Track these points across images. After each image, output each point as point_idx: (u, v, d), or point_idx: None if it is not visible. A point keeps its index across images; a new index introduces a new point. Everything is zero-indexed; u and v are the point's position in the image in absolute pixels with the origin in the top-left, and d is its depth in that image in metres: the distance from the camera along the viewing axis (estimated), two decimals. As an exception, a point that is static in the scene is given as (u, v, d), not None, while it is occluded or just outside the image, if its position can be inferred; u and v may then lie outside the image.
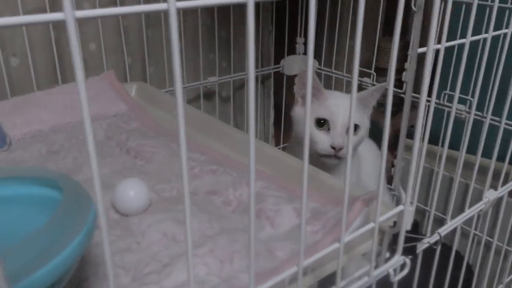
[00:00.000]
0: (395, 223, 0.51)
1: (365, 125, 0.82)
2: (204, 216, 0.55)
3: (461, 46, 0.57)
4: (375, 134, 1.27)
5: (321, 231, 0.52)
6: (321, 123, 0.79)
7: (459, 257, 0.80)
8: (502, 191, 0.68)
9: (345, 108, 0.78)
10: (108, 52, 0.98)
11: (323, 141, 0.78)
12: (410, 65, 0.43)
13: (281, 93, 1.30)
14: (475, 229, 1.00)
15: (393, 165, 1.18)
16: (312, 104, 0.81)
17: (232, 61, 1.17)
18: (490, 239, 0.97)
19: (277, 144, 1.39)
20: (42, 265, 0.30)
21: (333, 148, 0.77)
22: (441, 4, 0.39)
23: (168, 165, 0.67)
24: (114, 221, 0.55)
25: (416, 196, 0.47)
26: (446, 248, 0.81)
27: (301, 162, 0.68)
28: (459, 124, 1.00)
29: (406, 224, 0.46)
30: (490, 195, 0.64)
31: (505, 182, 0.71)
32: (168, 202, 0.59)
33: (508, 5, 0.83)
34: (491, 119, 0.92)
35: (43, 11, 0.87)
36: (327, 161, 0.79)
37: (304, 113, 0.81)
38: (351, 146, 0.38)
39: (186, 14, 1.10)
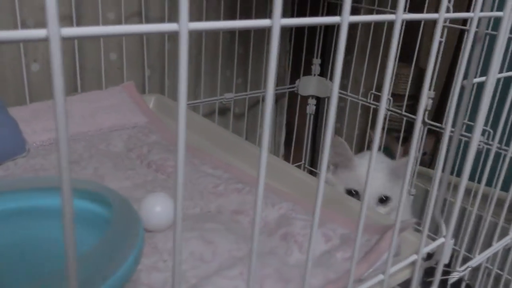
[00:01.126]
0: (429, 255, 0.50)
1: (397, 194, 0.80)
2: (232, 237, 0.53)
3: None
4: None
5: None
6: (352, 193, 0.79)
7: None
8: (529, 226, 0.67)
9: (375, 180, 0.78)
10: (128, 63, 0.98)
11: None
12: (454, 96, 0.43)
13: (294, 113, 1.30)
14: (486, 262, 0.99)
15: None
16: (342, 174, 0.81)
17: (249, 78, 1.17)
18: (501, 272, 0.95)
19: (287, 163, 1.38)
20: None
21: None
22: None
23: (190, 181, 0.65)
24: (139, 237, 0.54)
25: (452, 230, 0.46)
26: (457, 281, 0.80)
27: (329, 188, 0.67)
28: (476, 155, 0.99)
29: (445, 258, 0.45)
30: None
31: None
32: (192, 219, 0.57)
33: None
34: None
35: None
36: None
37: (335, 181, 0.81)
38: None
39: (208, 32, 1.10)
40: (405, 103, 1.13)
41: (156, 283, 0.46)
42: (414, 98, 1.39)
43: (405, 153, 1.32)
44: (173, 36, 1.04)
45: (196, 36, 1.08)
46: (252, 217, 0.59)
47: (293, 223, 0.57)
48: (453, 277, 0.52)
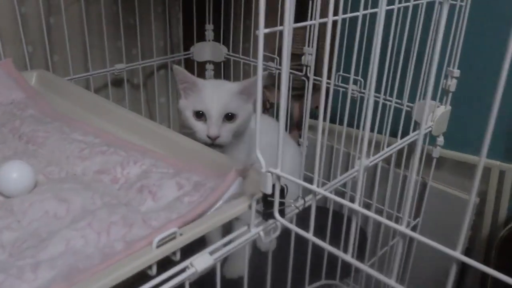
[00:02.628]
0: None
1: (245, 112, 0.86)
2: (88, 193, 0.57)
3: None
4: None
5: (198, 201, 0.56)
6: (199, 114, 0.84)
7: (339, 216, 0.88)
8: (374, 160, 0.76)
9: (219, 99, 0.83)
10: (6, 39, 0.97)
11: (201, 131, 0.83)
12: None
13: (193, 79, 1.34)
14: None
15: (298, 144, 1.25)
16: (190, 97, 0.86)
17: (139, 47, 1.18)
18: (370, 201, 1.05)
19: (192, 129, 1.42)
20: None
21: (209, 137, 0.82)
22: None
23: (59, 148, 0.68)
24: (-3, 203, 0.56)
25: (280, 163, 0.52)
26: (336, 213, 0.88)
27: (191, 141, 0.71)
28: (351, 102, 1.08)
29: (265, 188, 0.51)
30: (364, 163, 0.71)
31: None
32: (54, 182, 0.60)
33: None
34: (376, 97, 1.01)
35: None
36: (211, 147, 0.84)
37: (186, 106, 0.86)
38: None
39: (89, 1, 1.10)
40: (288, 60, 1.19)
41: (6, 241, 0.50)
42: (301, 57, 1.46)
43: (300, 108, 1.40)
44: (55, 9, 1.04)
45: (79, 7, 1.08)
46: (114, 175, 0.63)
47: (150, 176, 0.61)
48: (293, 208, 0.59)
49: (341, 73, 1.08)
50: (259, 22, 0.47)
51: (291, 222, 0.56)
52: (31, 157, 0.67)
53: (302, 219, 0.60)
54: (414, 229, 1.05)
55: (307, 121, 1.07)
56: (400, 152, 0.92)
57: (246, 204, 0.55)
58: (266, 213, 0.56)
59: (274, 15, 1.17)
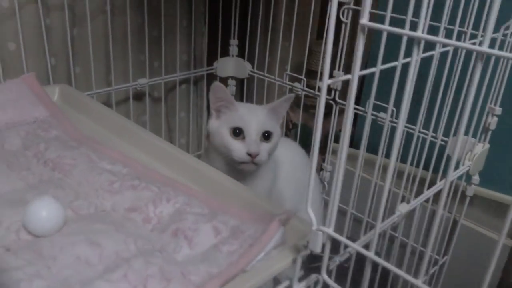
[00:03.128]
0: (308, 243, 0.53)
1: (277, 132, 0.86)
2: (121, 237, 0.54)
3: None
4: (305, 136, 1.30)
5: (238, 251, 0.53)
6: (236, 132, 0.82)
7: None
8: (414, 204, 0.72)
9: (257, 117, 0.83)
10: (29, 52, 0.93)
11: (239, 149, 0.81)
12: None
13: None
14: (392, 230, 1.05)
15: (321, 169, 1.22)
16: (225, 116, 0.84)
17: (163, 62, 1.15)
18: (406, 240, 1.02)
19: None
20: None
21: (249, 155, 0.80)
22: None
23: (87, 179, 0.65)
24: (26, 243, 0.53)
25: (334, 220, 0.48)
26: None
27: (224, 176, 0.68)
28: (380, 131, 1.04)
29: (314, 247, 0.48)
30: (402, 208, 0.68)
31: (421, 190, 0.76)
32: (85, 220, 0.57)
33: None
34: (407, 127, 0.98)
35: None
36: (245, 167, 0.82)
37: (220, 125, 0.83)
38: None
39: (115, 13, 1.07)
40: (317, 81, 1.15)
41: (37, 292, 0.46)
42: (332, 76, 1.43)
43: (323, 130, 1.37)
44: (79, 20, 1.01)
45: (103, 19, 1.05)
46: (146, 214, 0.59)
47: (186, 218, 0.58)
48: (334, 262, 0.55)
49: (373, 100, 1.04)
50: (324, 72, 0.43)
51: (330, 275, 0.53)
52: (58, 187, 0.63)
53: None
54: (441, 267, 1.02)
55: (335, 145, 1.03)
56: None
57: (290, 259, 0.52)
58: (311, 268, 0.52)
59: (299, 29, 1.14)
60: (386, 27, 0.42)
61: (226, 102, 0.83)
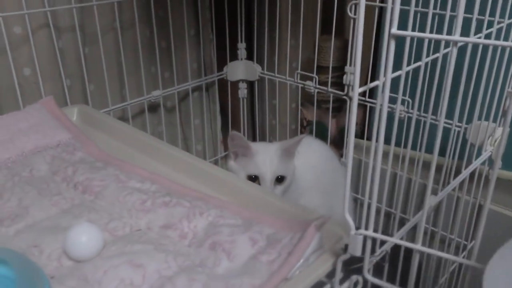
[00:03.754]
0: (347, 246, 0.53)
1: (290, 172, 0.91)
2: (161, 256, 0.54)
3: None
4: (320, 133, 1.31)
5: (277, 260, 0.53)
6: (252, 178, 0.88)
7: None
8: (442, 194, 0.73)
9: (271, 163, 0.88)
10: (45, 75, 0.95)
11: None
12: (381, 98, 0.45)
13: (227, 99, 1.31)
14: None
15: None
16: (242, 160, 0.90)
17: (175, 72, 1.15)
18: (434, 229, 1.02)
19: (226, 149, 1.40)
20: None
21: None
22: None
23: (118, 199, 0.66)
24: (69, 270, 0.54)
25: (373, 222, 0.48)
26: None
27: (253, 185, 0.69)
28: (399, 123, 1.04)
29: (354, 250, 0.48)
30: (431, 201, 0.68)
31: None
32: (122, 241, 0.58)
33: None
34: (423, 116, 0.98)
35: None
36: None
37: (237, 168, 0.90)
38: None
39: (124, 28, 1.07)
40: (329, 78, 1.15)
41: (87, 318, 0.47)
42: (340, 69, 1.43)
43: (337, 124, 1.37)
44: (89, 40, 1.02)
45: (113, 36, 1.06)
46: (181, 230, 0.60)
47: (221, 230, 0.59)
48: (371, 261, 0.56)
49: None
50: (354, 83, 0.44)
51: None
52: (92, 210, 0.64)
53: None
54: (470, 251, 1.02)
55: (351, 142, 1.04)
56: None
57: (330, 263, 0.53)
58: (351, 270, 0.53)
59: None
60: (419, 34, 0.42)
61: (244, 148, 0.88)
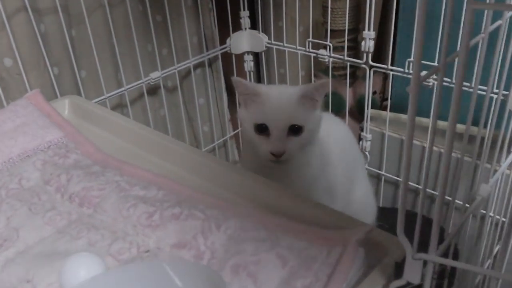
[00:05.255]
0: (398, 266, 0.44)
1: (310, 123, 0.74)
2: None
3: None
4: (336, 105, 1.20)
5: (316, 285, 0.45)
6: (261, 128, 0.73)
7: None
8: (493, 181, 0.63)
9: (283, 110, 0.72)
10: (28, 65, 0.84)
11: (263, 147, 0.73)
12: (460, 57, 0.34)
13: (232, 74, 1.20)
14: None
15: (360, 138, 1.12)
16: (251, 107, 0.74)
17: (173, 48, 1.04)
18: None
19: (234, 127, 1.30)
20: None
21: (273, 154, 0.72)
22: None
23: (121, 213, 0.57)
24: (67, 310, 0.46)
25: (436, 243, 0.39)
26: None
27: (271, 183, 0.59)
28: (425, 91, 0.94)
29: (412, 278, 0.39)
30: (483, 192, 0.59)
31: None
32: (129, 271, 0.49)
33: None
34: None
35: None
36: (274, 165, 0.74)
37: (245, 117, 0.75)
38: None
39: (113, 4, 0.96)
40: (346, 44, 1.04)
41: None
42: (355, 31, 1.31)
43: (354, 94, 1.26)
44: (76, 20, 0.90)
45: (101, 14, 0.94)
46: (196, 249, 0.51)
47: (244, 248, 0.50)
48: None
49: (411, 59, 0.93)
50: (414, 68, 0.33)
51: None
52: (91, 229, 0.55)
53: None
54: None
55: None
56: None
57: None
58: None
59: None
60: (499, 6, 0.32)
61: (251, 94, 0.74)
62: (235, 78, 0.74)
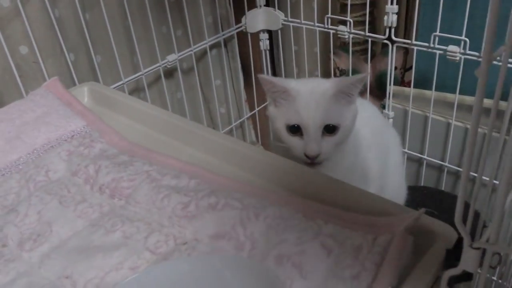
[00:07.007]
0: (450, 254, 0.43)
1: (348, 120, 0.70)
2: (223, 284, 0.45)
3: None
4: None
5: (363, 275, 0.43)
6: (294, 128, 0.69)
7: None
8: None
9: (316, 109, 0.67)
10: (44, 52, 0.82)
11: (297, 148, 0.69)
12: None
13: (248, 54, 1.17)
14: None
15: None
16: (281, 106, 0.70)
17: (189, 29, 1.01)
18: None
19: (251, 108, 1.28)
20: None
21: (308, 156, 0.68)
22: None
23: (155, 204, 0.55)
24: (111, 306, 0.45)
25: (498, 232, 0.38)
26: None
27: (306, 168, 0.58)
28: (449, 65, 0.91)
29: (469, 266, 0.38)
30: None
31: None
32: (170, 267, 0.48)
33: None
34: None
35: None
36: (309, 166, 0.70)
37: (276, 116, 0.70)
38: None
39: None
40: (367, 20, 1.01)
41: None
42: (371, 5, 1.27)
43: (374, 70, 1.23)
44: (90, 3, 0.88)
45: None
46: (236, 239, 0.50)
47: (286, 238, 0.48)
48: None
49: (437, 33, 0.90)
50: (485, 50, 0.31)
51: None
52: (125, 221, 0.54)
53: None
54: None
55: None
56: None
57: (430, 278, 0.42)
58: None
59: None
60: None
61: (280, 92, 0.69)
62: (261, 76, 0.70)
